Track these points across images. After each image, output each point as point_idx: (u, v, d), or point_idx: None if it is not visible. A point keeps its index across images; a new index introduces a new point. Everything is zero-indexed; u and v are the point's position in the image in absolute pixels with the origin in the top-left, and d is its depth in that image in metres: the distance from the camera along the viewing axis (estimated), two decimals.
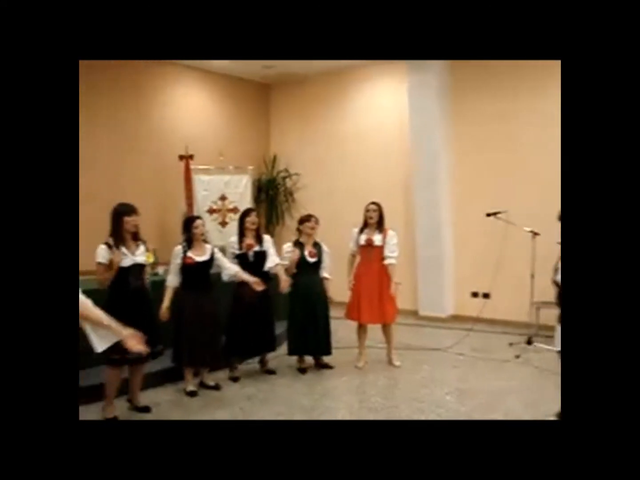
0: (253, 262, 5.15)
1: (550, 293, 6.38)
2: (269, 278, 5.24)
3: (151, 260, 4.40)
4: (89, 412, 4.32)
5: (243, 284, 4.99)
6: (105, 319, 2.87)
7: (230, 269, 4.93)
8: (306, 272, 5.31)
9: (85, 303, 3.01)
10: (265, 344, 5.35)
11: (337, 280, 5.62)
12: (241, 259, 5.11)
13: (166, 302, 4.62)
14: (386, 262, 5.41)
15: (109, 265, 4.14)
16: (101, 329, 2.99)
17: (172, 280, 4.71)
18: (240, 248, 5.14)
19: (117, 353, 4.05)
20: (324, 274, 5.44)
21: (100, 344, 2.97)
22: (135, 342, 2.99)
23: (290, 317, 5.40)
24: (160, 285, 5.04)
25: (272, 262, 5.24)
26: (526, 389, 4.93)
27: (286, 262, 5.27)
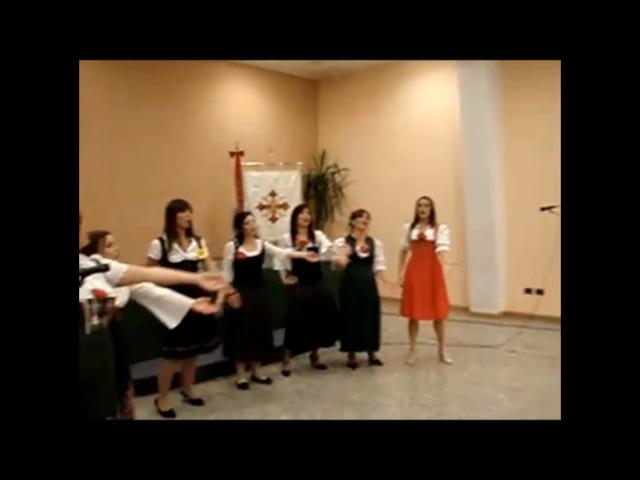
0: None
1: None
2: (321, 273, 5.27)
3: (204, 256, 4.45)
4: (142, 406, 4.44)
5: (299, 280, 5.07)
6: (183, 275, 2.96)
7: (281, 253, 5.01)
8: (358, 267, 5.28)
9: (153, 272, 3.10)
10: (326, 338, 5.36)
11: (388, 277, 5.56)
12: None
13: (221, 297, 4.67)
14: (438, 249, 5.31)
15: (159, 261, 4.23)
16: (167, 305, 3.10)
17: (226, 276, 4.76)
18: (294, 245, 5.17)
19: (178, 345, 4.18)
20: (379, 266, 5.39)
21: (171, 320, 3.06)
22: (205, 305, 3.08)
23: (342, 312, 5.39)
24: None
25: (325, 247, 5.25)
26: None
27: (337, 257, 5.26)
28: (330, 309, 5.31)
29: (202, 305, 3.08)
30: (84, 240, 2.42)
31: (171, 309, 3.09)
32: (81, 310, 2.29)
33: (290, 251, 5.03)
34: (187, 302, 3.07)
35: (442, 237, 5.36)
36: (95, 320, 2.37)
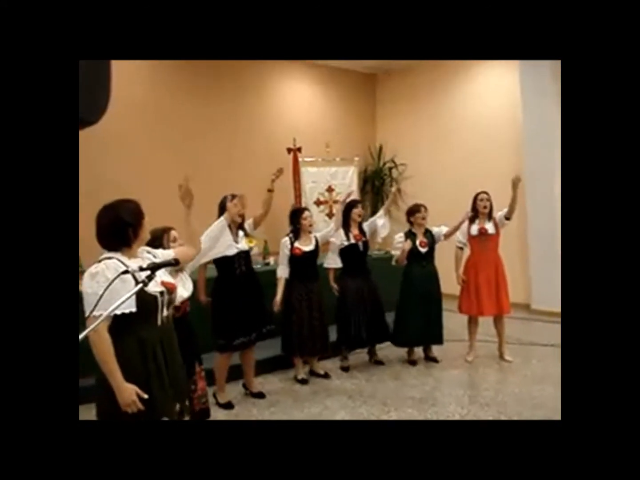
0: (363, 252, 5.21)
1: None
2: (369, 269, 5.29)
3: (252, 244, 4.53)
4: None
5: (348, 275, 5.10)
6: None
7: (327, 230, 5.14)
8: (418, 262, 5.26)
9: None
10: (379, 334, 5.37)
11: (442, 273, 5.51)
12: (352, 250, 5.16)
13: (280, 293, 4.74)
14: (500, 213, 5.32)
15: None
16: None
17: (283, 271, 4.82)
18: (348, 239, 5.18)
19: (225, 338, 4.27)
20: (443, 229, 5.36)
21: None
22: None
23: (401, 307, 5.37)
24: (271, 274, 5.19)
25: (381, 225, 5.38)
26: None
27: (397, 252, 5.25)
28: (379, 305, 5.31)
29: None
30: (147, 236, 2.49)
31: None
32: (155, 302, 2.38)
33: (332, 226, 5.15)
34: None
35: (499, 214, 5.35)
36: (165, 312, 2.46)
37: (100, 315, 2.07)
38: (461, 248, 5.45)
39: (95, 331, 2.15)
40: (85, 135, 3.83)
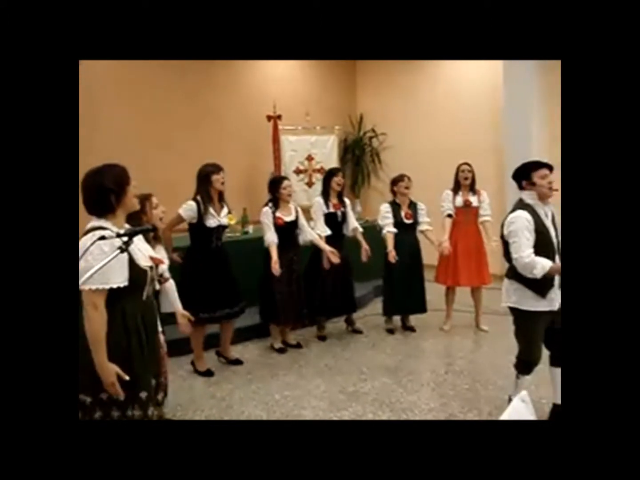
0: (340, 222, 5.20)
1: None
2: (343, 244, 5.28)
3: (233, 222, 4.48)
4: (181, 365, 4.57)
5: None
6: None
7: (307, 234, 4.93)
8: (403, 233, 5.27)
9: None
10: (346, 305, 5.41)
11: (422, 244, 5.54)
12: (331, 218, 5.14)
13: (275, 257, 4.61)
14: (482, 219, 5.37)
15: (194, 225, 4.27)
16: (168, 298, 3.48)
17: (272, 237, 4.69)
18: (328, 207, 5.16)
19: (200, 312, 4.21)
20: (424, 227, 5.36)
21: (162, 307, 3.35)
22: (185, 326, 3.42)
23: (386, 277, 5.41)
24: (250, 243, 5.16)
25: (353, 224, 5.32)
26: None
27: (387, 225, 5.26)
28: (349, 275, 5.34)
29: (183, 320, 3.39)
30: (134, 203, 2.43)
31: (165, 300, 3.46)
32: (145, 277, 2.35)
33: (315, 238, 4.94)
34: (178, 306, 3.46)
35: (485, 206, 5.37)
36: (150, 287, 2.43)
37: (97, 289, 2.14)
38: (450, 215, 5.38)
39: (96, 307, 2.16)
40: None
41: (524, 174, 3.38)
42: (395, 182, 5.37)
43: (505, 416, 1.70)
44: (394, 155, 8.88)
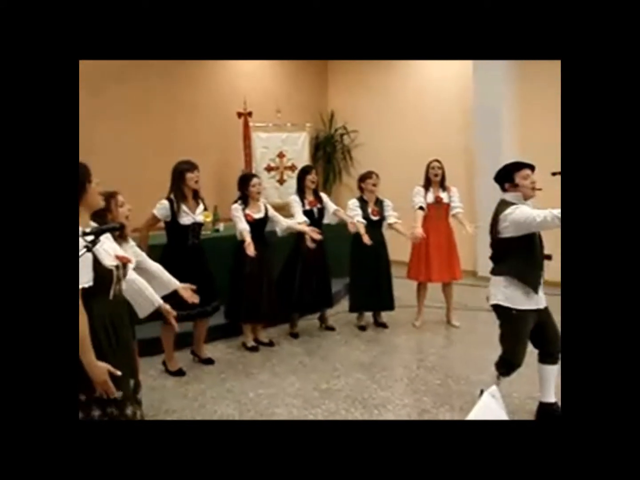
0: (317, 219, 5.19)
1: None
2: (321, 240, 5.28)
3: (209, 219, 4.43)
4: (152, 364, 4.51)
5: (302, 241, 5.03)
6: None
7: (283, 222, 4.92)
8: (368, 230, 5.28)
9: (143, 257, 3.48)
10: (322, 301, 5.40)
11: (390, 240, 5.56)
12: (307, 215, 5.13)
13: (248, 240, 4.53)
14: (455, 211, 5.41)
15: (168, 223, 4.22)
16: (157, 280, 3.46)
17: (245, 226, 4.64)
18: (304, 205, 5.15)
19: (176, 310, 4.17)
20: (391, 220, 5.36)
21: (141, 311, 3.25)
22: (190, 294, 3.45)
23: (353, 274, 5.43)
24: (221, 241, 5.11)
25: (332, 210, 5.30)
26: None
27: (356, 216, 5.24)
28: (327, 271, 5.34)
29: (187, 293, 3.42)
30: (98, 201, 2.38)
31: (160, 284, 3.44)
32: (110, 276, 2.30)
33: (292, 223, 4.94)
34: (175, 282, 3.46)
35: (455, 199, 5.42)
36: (118, 286, 2.38)
37: None
38: (422, 208, 5.36)
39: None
40: None
41: (506, 176, 3.40)
42: (362, 178, 5.38)
43: (475, 411, 1.70)
44: (365, 152, 8.90)
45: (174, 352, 4.48)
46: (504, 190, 3.42)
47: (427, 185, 5.41)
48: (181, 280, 4.15)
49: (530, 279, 3.33)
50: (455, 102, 7.96)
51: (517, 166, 3.38)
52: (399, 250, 5.75)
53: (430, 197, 5.37)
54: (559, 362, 3.48)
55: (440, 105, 8.15)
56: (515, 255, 3.34)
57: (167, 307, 3.19)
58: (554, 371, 3.51)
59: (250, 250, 4.47)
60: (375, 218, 5.31)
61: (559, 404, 3.56)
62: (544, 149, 7.15)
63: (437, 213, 5.40)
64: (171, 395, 4.08)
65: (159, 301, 3.23)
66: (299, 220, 4.99)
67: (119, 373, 2.21)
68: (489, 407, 1.75)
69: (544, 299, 3.41)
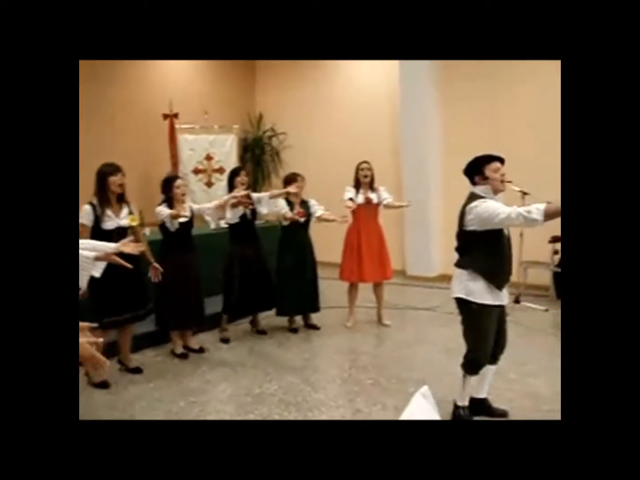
0: (251, 220, 5.17)
1: (538, 253, 6.45)
2: (258, 236, 5.27)
3: (136, 222, 4.29)
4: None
5: (237, 243, 5.02)
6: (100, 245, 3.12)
7: (209, 206, 4.88)
8: (294, 232, 5.27)
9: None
10: (264, 302, 5.35)
11: (321, 242, 5.57)
12: (240, 218, 5.09)
13: (174, 212, 4.54)
14: (386, 201, 5.47)
15: (91, 228, 4.07)
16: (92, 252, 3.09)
17: (167, 211, 4.58)
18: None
19: (104, 317, 4.04)
20: (319, 212, 5.34)
21: (96, 268, 3.03)
22: (132, 246, 3.20)
23: (279, 276, 5.38)
24: (151, 245, 4.95)
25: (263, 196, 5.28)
26: (513, 347, 4.97)
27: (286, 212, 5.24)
28: (267, 272, 5.30)
29: (129, 247, 3.16)
30: None
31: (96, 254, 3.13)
32: None
33: (216, 202, 4.89)
34: (110, 245, 3.16)
35: (384, 194, 5.49)
36: None
37: None
38: (351, 199, 5.37)
39: None
40: None
41: (476, 169, 3.37)
42: (288, 181, 5.33)
43: (408, 411, 1.71)
44: (293, 154, 8.91)
45: None
46: (473, 183, 3.42)
47: (357, 186, 5.44)
48: (109, 285, 4.01)
49: (494, 277, 3.30)
50: (383, 103, 8.09)
51: (488, 159, 3.35)
52: (329, 251, 5.77)
53: (360, 198, 5.40)
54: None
55: (369, 106, 8.26)
56: (481, 250, 3.31)
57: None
58: (492, 370, 3.58)
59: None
60: (302, 220, 5.28)
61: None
62: (469, 148, 7.39)
63: (367, 213, 5.45)
64: (97, 408, 3.90)
65: (112, 246, 3.14)
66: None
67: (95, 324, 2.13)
68: (421, 406, 1.76)
69: (507, 296, 3.44)
